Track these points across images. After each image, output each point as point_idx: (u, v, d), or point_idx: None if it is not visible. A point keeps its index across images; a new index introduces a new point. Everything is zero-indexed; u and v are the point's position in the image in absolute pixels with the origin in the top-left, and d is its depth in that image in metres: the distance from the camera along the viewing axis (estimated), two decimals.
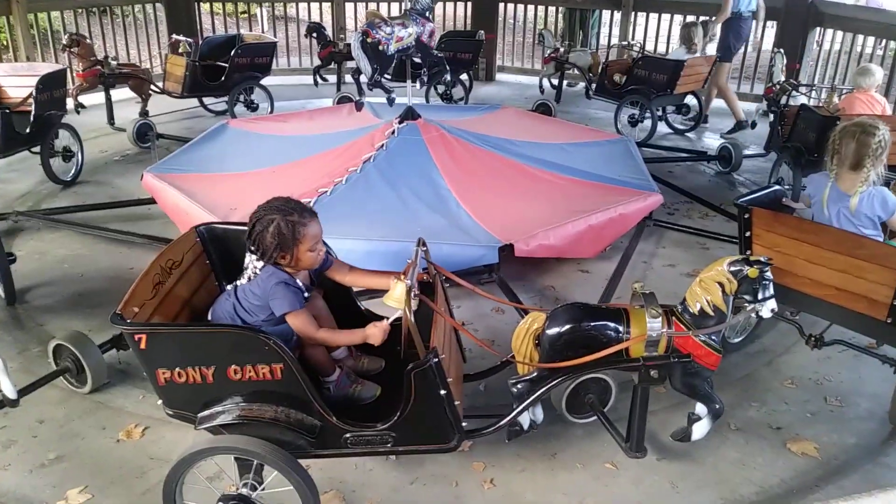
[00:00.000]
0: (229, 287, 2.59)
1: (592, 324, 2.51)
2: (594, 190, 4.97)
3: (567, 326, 2.51)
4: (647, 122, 7.29)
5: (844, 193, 3.24)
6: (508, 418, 2.50)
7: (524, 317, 2.73)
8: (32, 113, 5.40)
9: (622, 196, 4.85)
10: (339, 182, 4.74)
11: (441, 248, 3.82)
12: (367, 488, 2.73)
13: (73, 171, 6.01)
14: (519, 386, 2.59)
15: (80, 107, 7.25)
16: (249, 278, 2.49)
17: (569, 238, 4.31)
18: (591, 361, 2.44)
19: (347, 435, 2.33)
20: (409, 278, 2.35)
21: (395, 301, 2.34)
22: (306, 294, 2.51)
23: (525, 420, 2.66)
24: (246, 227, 2.83)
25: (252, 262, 2.51)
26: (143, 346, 2.19)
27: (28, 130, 5.42)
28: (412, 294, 2.31)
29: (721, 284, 2.46)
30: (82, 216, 5.16)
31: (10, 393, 2.79)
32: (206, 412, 2.29)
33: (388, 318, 2.42)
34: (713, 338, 2.55)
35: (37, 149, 5.64)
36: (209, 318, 2.55)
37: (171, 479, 2.26)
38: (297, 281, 2.46)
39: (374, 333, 2.39)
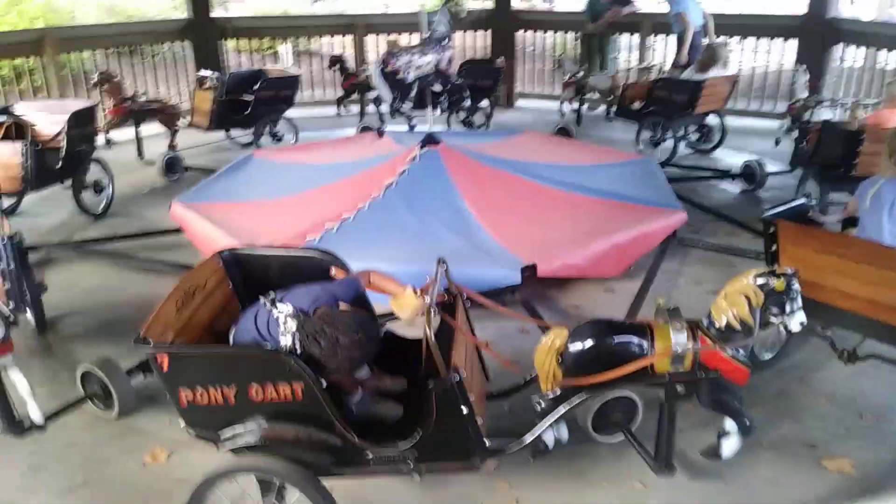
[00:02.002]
0: (261, 302, 2.54)
1: (616, 339, 2.48)
2: (617, 209, 4.95)
3: (590, 342, 2.48)
4: (669, 143, 7.26)
5: None
6: (531, 437, 2.47)
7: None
8: (63, 149, 5.55)
9: (646, 215, 4.82)
10: (362, 207, 4.78)
11: (464, 270, 3.79)
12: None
13: (103, 204, 6.14)
14: (542, 403, 2.56)
15: (110, 142, 7.43)
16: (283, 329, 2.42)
17: (592, 257, 4.28)
18: (615, 378, 2.41)
19: (369, 454, 2.32)
20: (429, 296, 2.35)
21: (399, 307, 2.34)
22: None
23: (550, 439, 2.62)
24: (269, 252, 2.90)
25: (290, 321, 2.40)
26: (165, 367, 2.21)
27: (59, 166, 5.55)
28: (433, 313, 2.30)
29: (747, 297, 2.42)
30: (112, 247, 5.26)
31: (38, 418, 2.84)
32: (229, 432, 2.29)
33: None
34: (741, 352, 2.50)
35: (69, 182, 5.79)
36: (231, 337, 2.57)
37: (194, 500, 2.25)
38: None
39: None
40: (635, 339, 2.47)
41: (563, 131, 7.87)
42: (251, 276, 2.87)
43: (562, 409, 2.45)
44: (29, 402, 2.81)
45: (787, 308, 2.42)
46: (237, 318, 2.69)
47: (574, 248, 4.25)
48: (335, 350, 2.24)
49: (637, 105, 7.48)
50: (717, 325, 2.48)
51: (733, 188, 6.63)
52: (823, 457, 2.94)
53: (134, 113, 7.18)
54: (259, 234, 4.50)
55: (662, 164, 6.52)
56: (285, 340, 2.34)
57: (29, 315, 4.01)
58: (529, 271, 4.01)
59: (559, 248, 4.25)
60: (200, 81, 7.66)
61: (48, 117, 5.73)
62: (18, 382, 2.76)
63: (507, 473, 2.84)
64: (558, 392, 2.54)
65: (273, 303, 2.45)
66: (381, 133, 6.18)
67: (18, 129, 5.53)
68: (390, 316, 2.99)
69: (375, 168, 5.40)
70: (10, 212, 6.10)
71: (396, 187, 4.97)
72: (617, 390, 2.72)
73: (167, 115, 7.43)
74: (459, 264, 3.80)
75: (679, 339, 2.42)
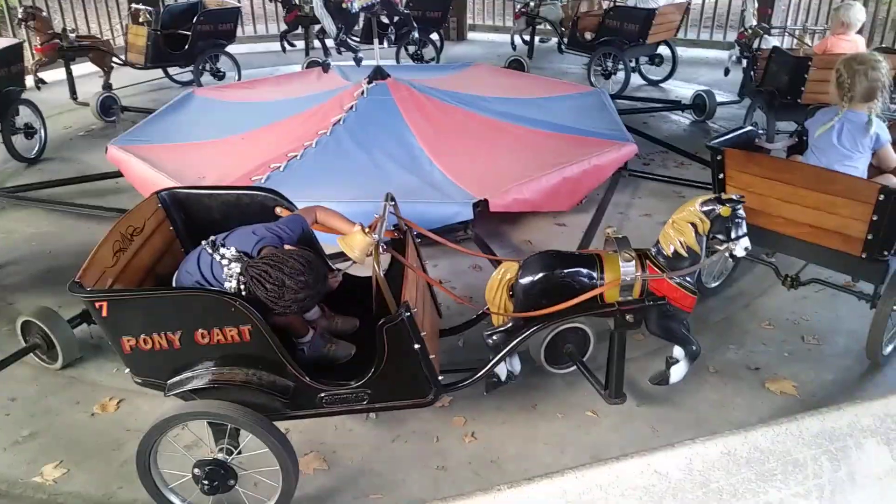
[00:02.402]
0: (203, 246, 2.45)
1: (566, 271, 2.48)
2: (568, 142, 4.92)
3: (540, 274, 2.47)
4: (621, 75, 7.22)
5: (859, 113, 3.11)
6: (485, 370, 2.48)
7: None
8: None
9: (596, 147, 4.80)
10: (310, 146, 4.65)
11: (415, 206, 3.77)
12: (348, 448, 2.71)
13: (36, 148, 5.86)
14: (494, 337, 2.57)
15: (40, 83, 7.03)
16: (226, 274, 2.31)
17: (544, 191, 4.27)
18: (565, 308, 2.41)
19: (322, 394, 2.30)
20: (377, 233, 2.30)
21: (348, 246, 2.30)
22: None
23: (503, 372, 2.64)
24: (210, 191, 2.78)
25: (233, 264, 2.29)
26: (104, 313, 2.13)
27: None
28: (380, 249, 2.26)
29: (694, 225, 2.44)
30: (48, 193, 5.03)
31: None
32: (176, 378, 2.24)
33: (337, 273, 2.43)
34: (688, 279, 2.53)
35: None
36: (174, 282, 2.49)
37: (144, 449, 2.21)
38: None
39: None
40: (584, 270, 2.48)
41: (516, 63, 7.75)
42: (193, 217, 2.77)
43: (513, 342, 2.46)
44: None
45: (733, 234, 2.44)
46: (181, 260, 2.60)
47: (525, 183, 4.22)
48: (281, 292, 2.18)
49: (589, 36, 7.38)
50: (664, 253, 2.50)
51: (684, 119, 6.67)
52: (767, 379, 3.04)
53: (64, 51, 6.80)
54: (204, 177, 4.36)
55: (614, 96, 6.48)
56: (230, 284, 2.26)
57: None
58: (481, 206, 3.98)
59: (511, 183, 4.21)
60: (134, 15, 7.29)
61: None
62: None
63: (463, 408, 2.87)
64: (510, 325, 2.54)
65: (214, 246, 2.36)
66: (326, 68, 5.98)
67: None
68: (340, 256, 2.93)
69: (322, 104, 5.25)
70: None
71: (344, 124, 4.84)
72: (568, 321, 2.73)
73: (100, 53, 7.07)
74: (411, 201, 3.77)
75: (627, 268, 2.43)
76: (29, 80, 6.25)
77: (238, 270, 2.24)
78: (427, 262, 3.11)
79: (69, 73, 7.00)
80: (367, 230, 2.34)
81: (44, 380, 3.15)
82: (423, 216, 3.74)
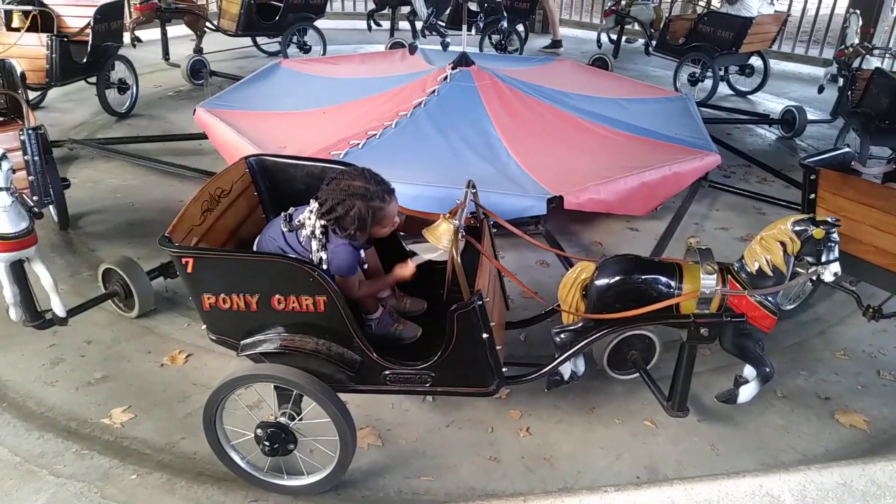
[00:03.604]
0: (282, 216, 2.52)
1: (643, 277, 2.43)
2: (649, 146, 4.82)
3: (617, 278, 2.43)
4: (708, 82, 7.03)
5: None
6: (550, 367, 2.46)
7: (572, 267, 2.66)
8: (90, 43, 5.45)
9: (678, 154, 4.69)
10: (389, 126, 4.68)
11: (489, 196, 3.74)
12: (403, 427, 2.73)
13: (127, 104, 6.09)
14: (562, 335, 2.54)
15: (136, 41, 7.31)
16: (314, 244, 2.37)
17: (620, 193, 4.20)
18: (639, 315, 2.37)
19: (387, 372, 2.32)
20: (457, 219, 2.30)
21: (435, 237, 2.30)
22: (363, 253, 2.49)
23: (566, 371, 2.62)
24: (296, 161, 2.84)
25: (316, 220, 2.35)
26: (189, 269, 2.19)
27: (85, 60, 5.47)
28: (459, 235, 2.26)
29: (783, 244, 2.36)
30: (135, 148, 5.22)
31: (60, 311, 2.86)
32: (249, 340, 2.29)
33: (413, 257, 2.44)
34: (769, 299, 2.45)
35: (93, 80, 5.72)
36: (255, 247, 2.55)
37: (211, 404, 2.28)
38: (358, 248, 2.43)
39: (402, 274, 2.44)
40: (663, 278, 2.42)
41: (600, 62, 7.63)
42: (276, 184, 2.82)
43: (582, 343, 2.43)
44: (52, 295, 2.83)
45: (823, 257, 2.35)
46: (262, 226, 2.66)
47: (602, 183, 4.16)
48: (350, 200, 2.28)
49: (680, 40, 7.20)
50: (748, 270, 2.42)
51: (770, 134, 6.45)
52: (837, 410, 2.92)
53: (161, 12, 7.03)
54: (283, 146, 4.43)
55: (699, 103, 6.31)
56: (314, 251, 2.34)
57: (52, 210, 4.01)
58: (555, 203, 3.94)
59: (587, 182, 4.15)
60: None
61: (75, 10, 5.61)
62: (42, 275, 2.77)
63: (520, 402, 2.86)
64: (579, 325, 2.52)
65: (288, 220, 2.41)
66: (413, 49, 6.00)
67: (45, 20, 5.42)
68: (413, 237, 2.95)
69: (405, 86, 5.27)
70: (35, 105, 6.07)
71: (425, 107, 4.85)
72: (637, 328, 2.69)
73: (194, 17, 7.27)
74: (486, 190, 3.75)
75: (708, 280, 2.37)
76: (126, 38, 6.48)
77: (314, 220, 2.33)
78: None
79: (164, 33, 7.23)
80: (447, 216, 2.34)
81: (119, 327, 3.28)
82: (496, 207, 3.69)
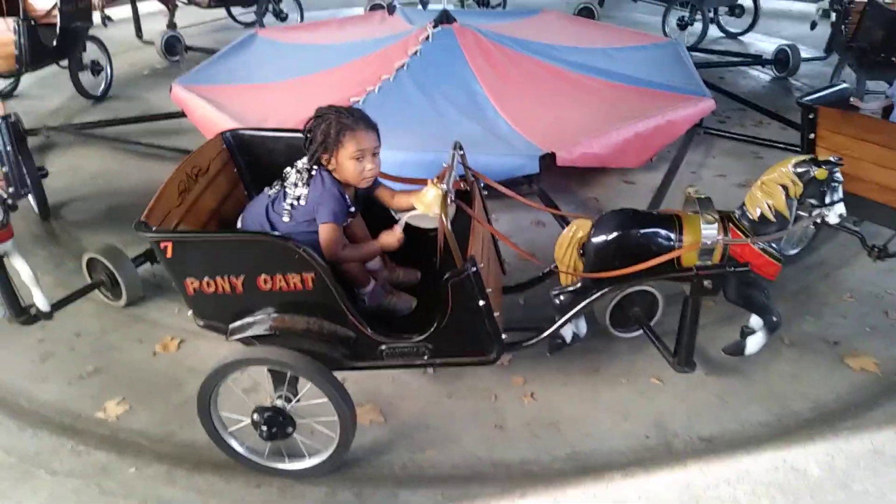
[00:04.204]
0: (266, 190, 2.45)
1: (642, 231, 2.34)
2: (641, 96, 4.70)
3: (614, 234, 2.34)
4: (698, 26, 6.86)
5: None
6: (550, 330, 2.38)
7: (568, 225, 2.57)
8: (58, 24, 5.27)
9: (671, 102, 4.57)
10: (372, 91, 4.54)
11: (478, 158, 3.63)
12: (405, 400, 2.67)
13: (102, 86, 5.92)
14: (562, 297, 2.46)
15: (107, 19, 7.05)
16: (296, 183, 2.34)
17: (613, 146, 4.09)
18: (639, 271, 2.28)
19: (383, 347, 2.24)
20: (445, 183, 2.20)
21: (425, 205, 2.21)
22: (352, 209, 2.39)
23: (568, 333, 2.55)
24: (274, 133, 2.72)
25: (302, 164, 2.38)
26: (169, 254, 2.10)
27: (55, 43, 5.30)
28: (448, 200, 2.16)
29: (785, 187, 2.26)
30: (114, 131, 5.08)
31: (43, 306, 2.78)
32: (237, 323, 2.21)
33: (399, 222, 2.33)
34: (773, 246, 2.36)
35: (65, 63, 5.55)
36: (238, 225, 2.45)
37: (205, 392, 2.21)
38: (347, 197, 2.34)
39: (388, 241, 2.35)
40: (662, 231, 2.33)
41: (586, 11, 7.45)
42: (257, 160, 2.71)
43: (582, 304, 2.35)
44: (33, 289, 2.74)
45: (827, 199, 2.26)
46: (244, 204, 2.56)
47: (595, 137, 4.04)
48: (328, 122, 2.28)
49: None
50: (749, 217, 2.33)
51: (763, 75, 6.31)
52: (846, 354, 2.87)
53: None
54: (264, 119, 4.30)
55: (689, 48, 6.15)
56: (296, 191, 2.32)
57: (31, 200, 3.90)
58: (548, 160, 3.83)
59: (579, 136, 4.04)
60: None
61: None
62: (21, 269, 2.68)
63: (523, 368, 2.80)
64: (578, 285, 2.43)
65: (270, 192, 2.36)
66: (391, 10, 5.82)
67: (11, 4, 5.23)
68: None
69: (386, 48, 5.11)
70: (7, 94, 5.91)
71: (408, 69, 4.71)
72: (639, 284, 2.61)
73: None
74: (475, 152, 3.62)
75: (709, 230, 2.28)
76: (96, 17, 6.27)
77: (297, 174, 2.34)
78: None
79: (135, 10, 7.04)
80: (435, 181, 2.24)
81: (107, 316, 3.19)
82: (486, 168, 3.59)
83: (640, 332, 2.83)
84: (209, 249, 2.12)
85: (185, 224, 2.30)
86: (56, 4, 5.22)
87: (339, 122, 2.29)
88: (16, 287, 2.77)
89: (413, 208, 2.33)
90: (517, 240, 3.67)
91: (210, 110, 4.46)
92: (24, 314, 2.82)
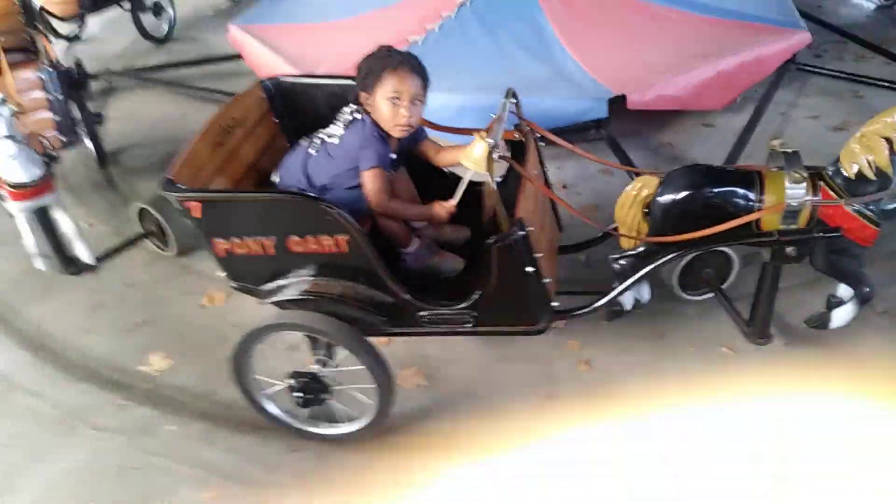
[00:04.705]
0: (305, 139, 2.31)
1: (716, 190, 2.07)
2: (726, 29, 4.24)
3: (685, 193, 2.08)
4: None
5: None
6: (606, 299, 2.17)
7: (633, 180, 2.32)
8: None
9: (761, 35, 4.11)
10: (432, 29, 4.27)
11: (543, 101, 3.39)
12: (452, 365, 2.54)
13: (165, 28, 5.84)
14: (622, 262, 2.23)
15: None
16: (345, 124, 2.21)
17: (693, 87, 3.71)
18: (712, 235, 2.02)
19: (423, 313, 2.09)
20: (493, 136, 1.98)
21: (473, 162, 2.01)
22: (394, 157, 2.22)
23: (628, 301, 2.32)
24: (318, 81, 2.56)
25: (347, 109, 2.25)
26: (196, 213, 1.99)
27: None
28: (496, 156, 1.95)
29: (889, 141, 1.94)
30: (173, 74, 5.02)
31: (87, 258, 2.76)
32: (270, 286, 2.10)
33: (455, 192, 2.11)
34: (870, 207, 2.05)
35: (128, 5, 5.49)
36: (275, 178, 2.32)
37: (238, 356, 2.12)
38: (388, 144, 2.18)
39: (439, 213, 2.15)
40: (741, 190, 2.05)
41: None
42: (299, 109, 2.56)
43: (644, 270, 2.12)
44: (76, 242, 2.72)
45: None
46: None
47: (672, 76, 3.68)
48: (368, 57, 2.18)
49: None
50: (845, 174, 2.02)
51: (867, 3, 5.65)
52: None
53: None
54: (321, 61, 4.12)
55: None
56: (331, 130, 2.22)
57: (90, 146, 3.89)
58: (617, 103, 3.51)
59: (654, 76, 3.69)
60: None
61: None
62: (64, 222, 2.65)
63: (579, 331, 2.60)
64: (642, 249, 2.19)
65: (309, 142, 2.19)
66: None
67: None
68: None
69: None
70: (74, 38, 5.91)
71: (471, 5, 4.39)
72: (710, 249, 2.34)
73: None
74: (539, 94, 3.39)
75: (795, 190, 1.99)
76: None
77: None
78: (551, 165, 2.76)
79: None
80: (483, 134, 2.03)
81: (158, 267, 3.16)
82: (551, 113, 3.36)
83: (712, 295, 2.58)
84: (237, 209, 2.01)
85: (220, 179, 2.19)
86: None
87: (384, 59, 2.14)
88: (64, 239, 2.75)
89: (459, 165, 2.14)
90: (582, 189, 3.44)
91: (265, 52, 4.31)
92: (73, 265, 2.81)
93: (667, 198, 2.10)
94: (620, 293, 2.17)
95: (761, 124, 3.77)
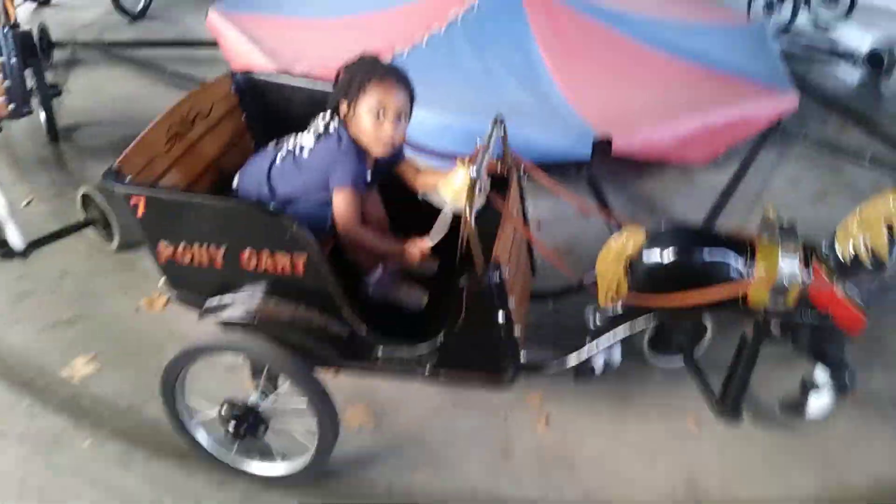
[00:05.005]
0: (270, 145, 2.12)
1: (707, 254, 1.94)
2: (716, 81, 4.20)
3: (673, 253, 1.94)
4: (786, 10, 6.25)
5: None
6: (578, 358, 2.02)
7: (615, 230, 2.18)
8: None
9: (750, 92, 4.08)
10: (419, 42, 4.12)
11: (522, 131, 3.24)
12: (402, 405, 2.35)
13: (142, 4, 5.59)
14: (598, 319, 2.08)
15: None
16: (318, 135, 2.02)
17: (678, 137, 3.63)
18: (696, 304, 1.89)
19: (379, 351, 1.91)
20: (476, 167, 1.82)
21: (453, 192, 1.86)
22: (368, 179, 2.04)
23: (599, 363, 2.17)
24: (294, 83, 2.38)
25: (320, 118, 2.06)
26: (140, 211, 1.79)
27: None
28: (477, 189, 1.79)
29: (890, 227, 1.83)
30: (144, 54, 4.78)
31: (17, 244, 2.51)
32: (213, 302, 1.90)
33: (433, 229, 1.95)
34: (856, 292, 1.94)
35: None
36: (235, 182, 2.12)
37: (168, 376, 1.91)
38: (364, 162, 2.00)
39: (412, 253, 1.99)
40: (731, 257, 1.93)
41: None
42: (270, 109, 2.37)
43: (621, 333, 1.98)
44: (7, 224, 2.46)
45: None
46: (249, 157, 2.22)
47: (659, 123, 3.60)
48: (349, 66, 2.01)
49: None
50: (840, 255, 1.91)
51: (853, 73, 5.69)
52: None
53: None
54: (298, 59, 3.94)
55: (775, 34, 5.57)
56: (301, 139, 2.04)
57: (42, 119, 3.63)
58: (603, 146, 3.40)
59: (640, 119, 3.60)
60: None
61: None
62: None
63: (541, 382, 2.43)
64: (619, 309, 2.05)
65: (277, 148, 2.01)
66: None
67: None
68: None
69: None
70: (44, 2, 5.62)
71: (461, 22, 4.26)
72: (691, 317, 2.22)
73: None
74: (521, 123, 3.23)
75: (789, 265, 1.87)
76: None
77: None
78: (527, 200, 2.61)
79: None
80: (467, 161, 1.88)
81: (97, 259, 2.93)
82: (531, 144, 3.21)
83: (681, 362, 2.45)
84: (186, 213, 1.80)
85: (175, 174, 2.00)
86: None
87: (369, 68, 1.97)
88: None
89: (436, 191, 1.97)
90: (557, 231, 3.30)
91: (241, 40, 4.12)
92: (3, 246, 2.55)
93: (653, 256, 1.96)
94: (594, 353, 2.02)
95: (742, 185, 3.69)
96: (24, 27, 3.31)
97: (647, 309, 1.97)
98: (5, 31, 3.02)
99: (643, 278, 1.98)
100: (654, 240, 1.99)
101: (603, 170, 3.60)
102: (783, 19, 6.22)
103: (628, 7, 5.03)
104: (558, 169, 3.35)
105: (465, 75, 3.93)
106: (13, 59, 3.05)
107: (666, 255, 1.95)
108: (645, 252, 1.98)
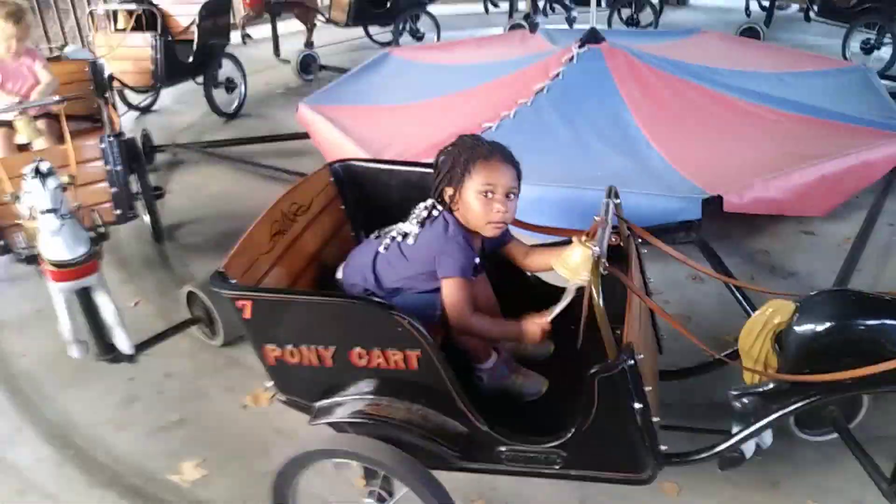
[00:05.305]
0: (374, 234, 2.05)
1: (871, 322, 1.70)
2: (827, 129, 3.95)
3: (830, 323, 1.71)
4: (886, 51, 5.93)
5: None
6: (729, 443, 1.78)
7: (737, 293, 1.96)
8: (195, 42, 5.24)
9: (864, 138, 3.80)
10: (507, 116, 4.09)
11: (628, 198, 3.05)
12: (524, 501, 2.15)
13: (235, 104, 5.86)
14: (745, 400, 1.84)
15: (246, 37, 7.13)
16: (421, 223, 1.93)
17: (794, 190, 3.40)
18: (864, 377, 1.64)
19: (502, 448, 1.74)
20: (598, 243, 1.67)
21: (570, 270, 1.71)
22: (477, 261, 1.93)
23: (750, 446, 1.92)
24: (391, 167, 2.32)
25: (423, 205, 1.97)
26: (247, 314, 1.72)
27: (191, 60, 5.28)
28: (601, 268, 1.64)
29: None
30: (239, 150, 4.94)
31: (126, 348, 2.50)
32: (324, 402, 1.79)
33: (555, 307, 1.79)
34: None
35: (201, 80, 5.52)
36: (339, 274, 2.05)
37: (280, 482, 1.80)
38: (473, 247, 1.90)
39: (532, 331, 1.83)
40: None
41: (750, 32, 6.67)
42: (368, 196, 2.32)
43: (776, 414, 1.74)
44: (116, 329, 2.47)
45: None
46: (351, 247, 2.15)
47: (770, 178, 3.37)
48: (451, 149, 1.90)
49: (850, 1, 6.11)
50: None
51: None
52: None
53: (271, 6, 6.78)
54: (390, 144, 3.96)
55: (879, 75, 5.26)
56: (404, 227, 1.95)
57: (146, 221, 3.74)
58: (713, 205, 3.19)
59: (750, 176, 3.38)
60: None
61: (181, 8, 5.42)
62: (104, 306, 2.41)
63: (677, 470, 2.19)
64: (770, 387, 1.81)
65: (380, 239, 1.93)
66: (533, 28, 5.37)
67: (150, 19, 5.24)
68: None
69: (526, 69, 4.64)
70: (146, 109, 5.97)
71: (549, 93, 4.21)
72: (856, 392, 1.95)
73: (305, 10, 7.00)
74: (623, 191, 3.08)
75: None
76: (236, 36, 6.29)
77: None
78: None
79: (274, 28, 7.02)
80: (584, 239, 1.73)
81: (202, 357, 2.90)
82: (637, 211, 3.05)
83: (835, 436, 2.16)
84: (294, 312, 1.72)
85: (278, 271, 1.93)
86: (195, 21, 5.18)
87: (472, 149, 1.87)
88: (104, 323, 2.52)
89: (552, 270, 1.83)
90: (671, 297, 3.09)
91: (333, 131, 4.18)
92: (113, 352, 2.56)
93: (807, 328, 1.73)
94: (745, 439, 1.78)
95: (873, 236, 3.38)
96: (129, 135, 3.46)
97: (804, 385, 1.73)
98: (111, 140, 3.14)
99: (796, 352, 1.74)
100: (805, 310, 1.76)
101: (712, 227, 3.37)
102: (883, 58, 5.90)
103: (716, 63, 4.90)
104: (667, 234, 3.17)
105: (557, 146, 3.85)
106: (119, 167, 3.16)
107: (821, 325, 1.72)
108: (797, 323, 1.75)
